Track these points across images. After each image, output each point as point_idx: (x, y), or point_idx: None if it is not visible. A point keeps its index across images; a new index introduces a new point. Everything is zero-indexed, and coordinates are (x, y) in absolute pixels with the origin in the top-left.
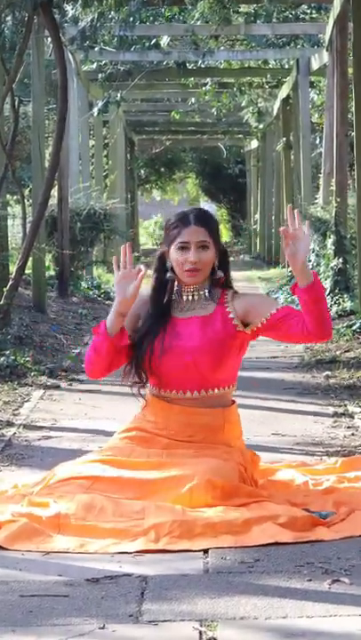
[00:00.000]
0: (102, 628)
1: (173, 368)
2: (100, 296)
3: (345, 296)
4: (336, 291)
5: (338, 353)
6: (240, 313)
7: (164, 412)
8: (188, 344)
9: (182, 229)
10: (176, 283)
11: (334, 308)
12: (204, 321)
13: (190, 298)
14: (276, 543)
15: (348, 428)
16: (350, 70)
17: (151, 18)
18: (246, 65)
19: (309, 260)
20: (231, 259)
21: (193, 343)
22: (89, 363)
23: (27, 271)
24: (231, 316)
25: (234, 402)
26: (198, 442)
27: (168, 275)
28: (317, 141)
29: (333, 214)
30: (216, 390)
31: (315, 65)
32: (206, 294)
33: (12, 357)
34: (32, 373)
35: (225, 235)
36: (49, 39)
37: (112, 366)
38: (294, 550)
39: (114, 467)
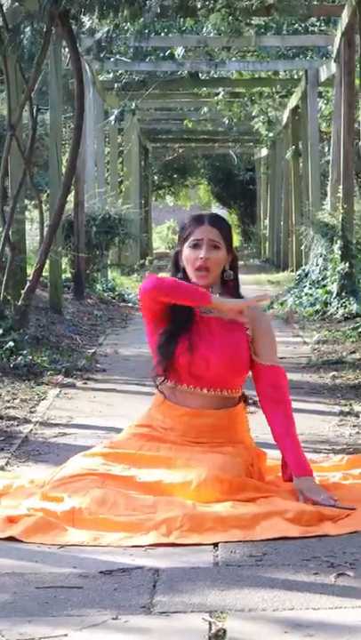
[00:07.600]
0: (115, 618)
1: (197, 364)
2: (114, 298)
3: (351, 299)
4: (343, 294)
5: (344, 354)
6: (251, 331)
7: (170, 413)
8: (215, 342)
9: (196, 228)
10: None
11: (341, 311)
12: (224, 323)
13: None
14: (284, 537)
15: (354, 426)
16: (357, 81)
17: (166, 29)
18: (257, 75)
19: (317, 265)
20: (241, 262)
21: (219, 341)
22: (171, 287)
23: (44, 274)
24: (247, 326)
25: (240, 401)
26: (205, 442)
27: (179, 275)
28: (326, 150)
29: (340, 220)
30: (229, 392)
31: (323, 76)
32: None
33: (30, 357)
34: (48, 372)
35: (235, 239)
36: (66, 49)
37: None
38: (301, 545)
39: (122, 463)
